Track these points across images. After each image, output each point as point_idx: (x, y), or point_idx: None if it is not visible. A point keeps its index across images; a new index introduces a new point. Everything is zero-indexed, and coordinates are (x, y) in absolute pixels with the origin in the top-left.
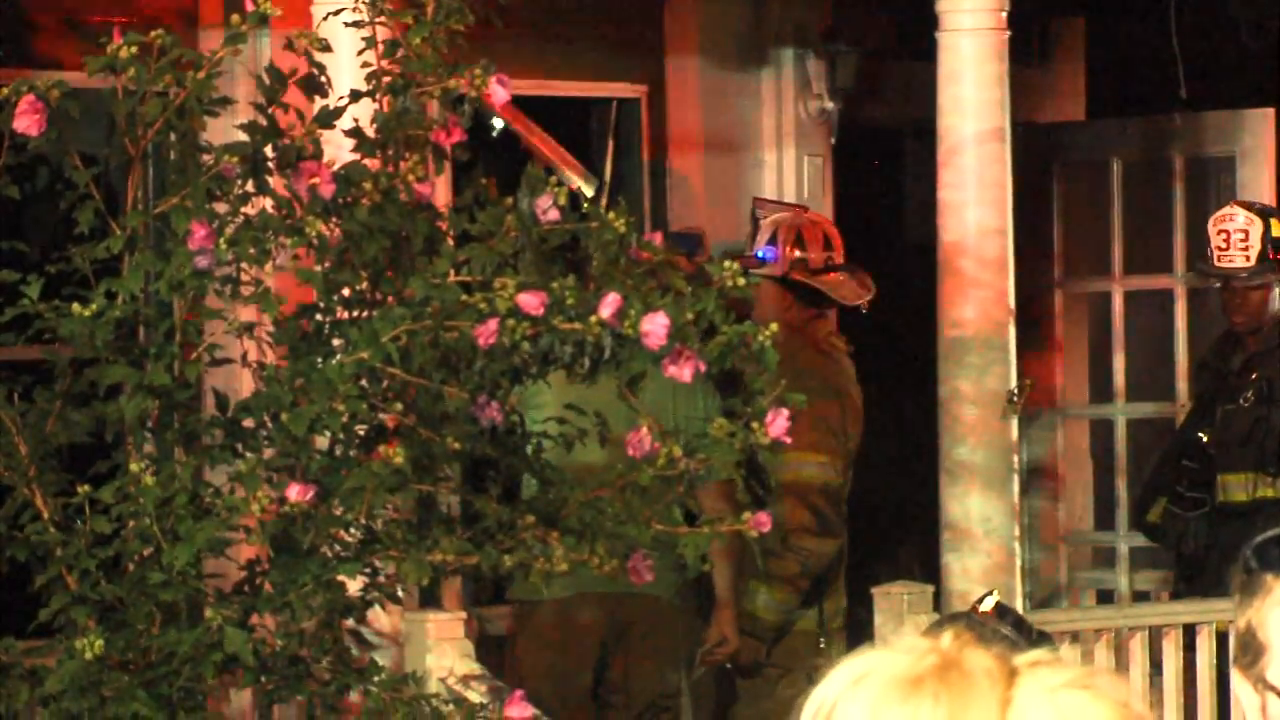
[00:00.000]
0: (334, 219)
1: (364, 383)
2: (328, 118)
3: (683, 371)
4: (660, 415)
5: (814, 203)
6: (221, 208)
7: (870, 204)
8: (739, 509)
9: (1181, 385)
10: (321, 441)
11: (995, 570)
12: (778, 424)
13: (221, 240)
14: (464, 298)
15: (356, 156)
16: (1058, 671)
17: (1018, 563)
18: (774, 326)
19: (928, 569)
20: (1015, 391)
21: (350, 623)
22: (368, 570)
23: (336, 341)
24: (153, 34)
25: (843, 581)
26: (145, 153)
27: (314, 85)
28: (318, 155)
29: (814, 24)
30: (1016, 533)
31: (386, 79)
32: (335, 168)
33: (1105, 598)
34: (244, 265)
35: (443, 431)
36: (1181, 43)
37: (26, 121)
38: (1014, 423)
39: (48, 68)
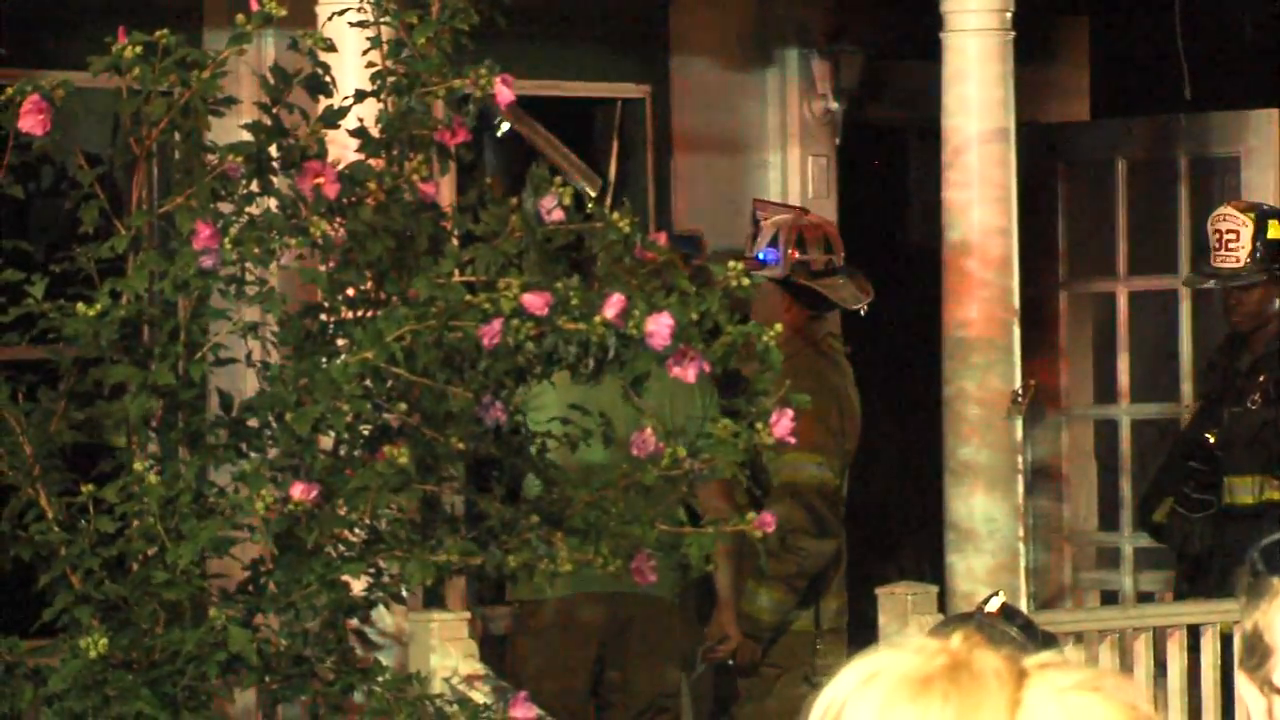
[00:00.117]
0: (338, 219)
1: (368, 383)
2: (332, 117)
3: (687, 372)
4: (660, 415)
5: (818, 203)
6: (226, 207)
7: (875, 204)
8: (737, 509)
9: (1186, 386)
10: (326, 441)
11: (999, 570)
12: (782, 424)
13: (226, 240)
14: (468, 298)
15: (361, 156)
16: (1067, 673)
17: (1022, 563)
18: (778, 327)
19: (932, 569)
20: (1019, 392)
21: (354, 623)
22: (372, 570)
23: (341, 341)
24: (158, 34)
25: (840, 582)
26: (150, 152)
27: (318, 85)
28: (322, 155)
29: (818, 24)
30: (1021, 533)
31: (391, 79)
32: (340, 167)
33: (1109, 598)
34: (248, 265)
35: (447, 431)
36: (1186, 43)
37: (31, 121)
38: (1018, 423)
39: (52, 67)
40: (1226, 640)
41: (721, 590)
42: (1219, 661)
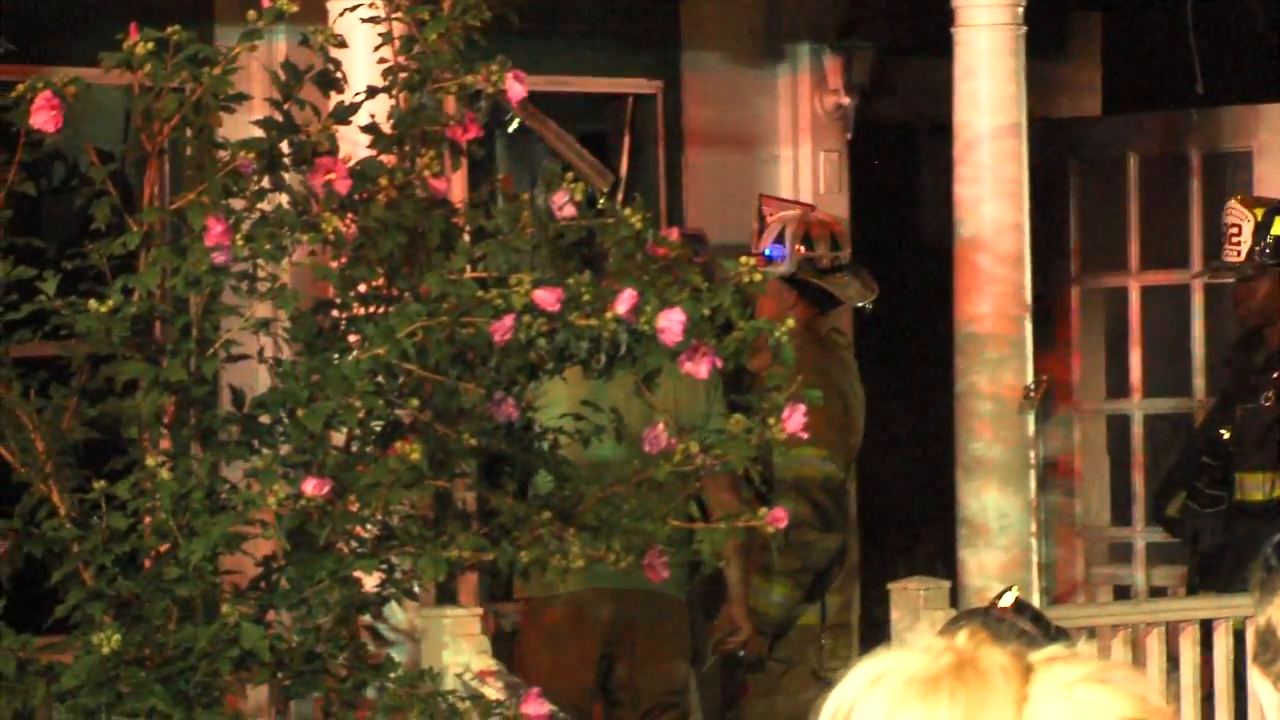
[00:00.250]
0: (350, 215)
1: (380, 379)
2: (344, 114)
3: (699, 367)
4: (670, 411)
5: (830, 198)
6: (238, 204)
7: (886, 200)
8: (744, 504)
9: (1198, 381)
10: (338, 437)
11: (1012, 566)
12: (794, 419)
13: (238, 236)
14: (480, 294)
15: (372, 153)
16: (1073, 666)
17: (1034, 558)
18: (790, 322)
19: (944, 565)
20: (1031, 387)
21: (366, 619)
22: (384, 566)
23: (353, 337)
24: (169, 30)
25: (847, 576)
26: (162, 149)
27: (330, 81)
28: (333, 151)
29: (830, 19)
30: (1033, 528)
31: (403, 75)
32: (351, 164)
33: (1122, 593)
34: (260, 261)
35: (459, 427)
36: (1198, 37)
37: (43, 118)
38: (1030, 418)
39: (64, 64)
40: (1239, 635)
41: (731, 584)
42: (1232, 656)
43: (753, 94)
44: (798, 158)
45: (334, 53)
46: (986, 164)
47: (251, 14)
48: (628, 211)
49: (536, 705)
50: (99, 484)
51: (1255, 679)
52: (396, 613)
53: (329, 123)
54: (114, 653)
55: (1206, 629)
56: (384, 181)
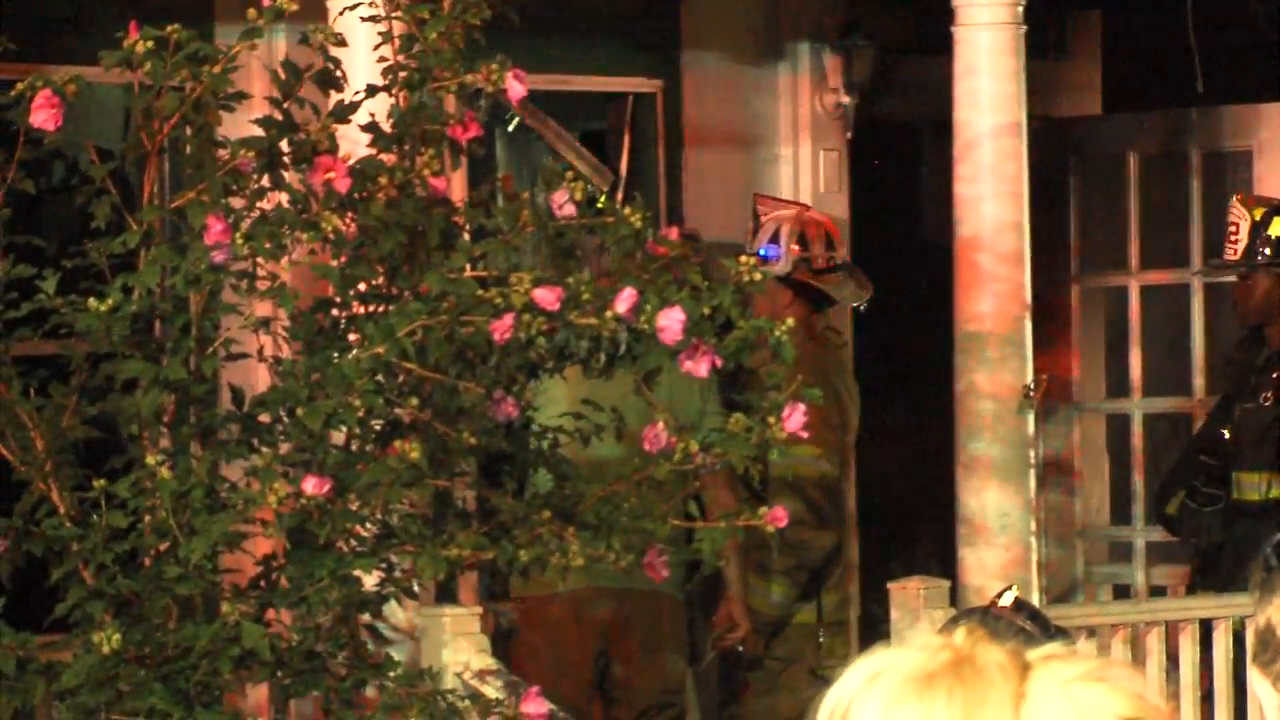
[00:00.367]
0: (350, 214)
1: (380, 378)
2: (343, 112)
3: (699, 367)
4: (669, 409)
5: (830, 198)
6: (237, 202)
7: (886, 199)
8: (740, 502)
9: (1198, 380)
10: (337, 436)
11: (1011, 565)
12: (794, 419)
13: (238, 235)
14: (480, 293)
15: (372, 151)
16: (1071, 664)
17: (1034, 557)
18: (790, 321)
19: (944, 564)
20: (1031, 386)
21: (366, 618)
22: (384, 565)
23: (353, 336)
24: (169, 29)
25: (843, 574)
26: (161, 147)
27: (330, 80)
28: (333, 150)
29: (830, 18)
30: (1033, 527)
31: (403, 74)
32: (351, 163)
33: (1122, 592)
34: (260, 260)
35: (459, 426)
36: (1198, 36)
37: (43, 116)
38: (1030, 417)
39: (64, 62)
40: (1240, 634)
41: (730, 581)
42: (1231, 656)
43: (753, 93)
44: (798, 157)
45: (334, 51)
46: (986, 163)
47: (251, 12)
48: (627, 210)
49: (536, 704)
50: (99, 483)
51: (1255, 679)
52: (396, 612)
53: (329, 121)
54: (114, 652)
55: (1206, 628)
56: (384, 180)
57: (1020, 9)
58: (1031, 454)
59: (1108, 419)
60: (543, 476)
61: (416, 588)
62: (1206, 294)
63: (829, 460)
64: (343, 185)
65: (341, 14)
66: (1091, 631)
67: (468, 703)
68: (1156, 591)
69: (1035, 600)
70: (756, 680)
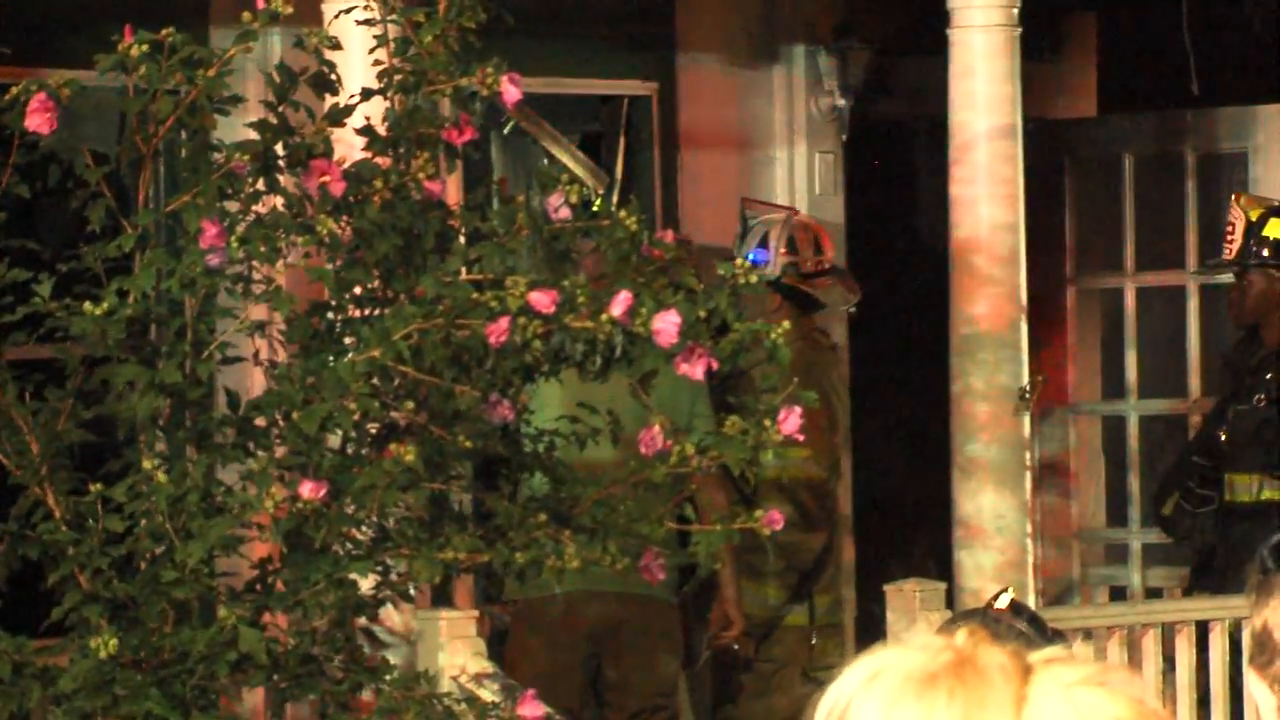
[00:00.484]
0: (345, 217)
1: (375, 381)
2: (338, 116)
3: (694, 369)
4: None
5: (825, 200)
6: (233, 206)
7: (882, 201)
8: (731, 504)
9: (1194, 382)
10: (333, 440)
11: (1008, 567)
12: (790, 421)
13: (233, 238)
14: (475, 296)
15: (367, 155)
16: (1073, 668)
17: (1030, 559)
18: (785, 324)
19: (941, 566)
20: (1027, 388)
21: (362, 621)
22: (380, 568)
23: (348, 340)
24: (164, 32)
25: (835, 576)
26: (156, 151)
27: (325, 83)
28: (328, 153)
29: (825, 20)
30: (1029, 529)
31: (398, 77)
32: (346, 166)
33: (1118, 594)
34: (255, 263)
35: (454, 429)
36: (1193, 38)
37: (38, 120)
38: (1026, 419)
39: (59, 66)
40: (1235, 637)
41: (724, 580)
42: (1228, 657)
43: (748, 95)
44: (793, 159)
45: (329, 55)
46: (982, 165)
47: (246, 16)
48: (623, 213)
49: (532, 707)
50: (95, 486)
51: (1251, 681)
52: (392, 615)
53: (324, 125)
54: (110, 656)
55: (1203, 630)
56: (379, 184)
57: (1015, 11)
58: (1027, 456)
59: (1103, 420)
60: (538, 479)
61: (413, 591)
62: (1202, 296)
63: (818, 462)
64: (338, 189)
65: (336, 17)
66: (1088, 633)
67: (464, 706)
68: (1153, 593)
69: (1031, 602)
70: (749, 682)
